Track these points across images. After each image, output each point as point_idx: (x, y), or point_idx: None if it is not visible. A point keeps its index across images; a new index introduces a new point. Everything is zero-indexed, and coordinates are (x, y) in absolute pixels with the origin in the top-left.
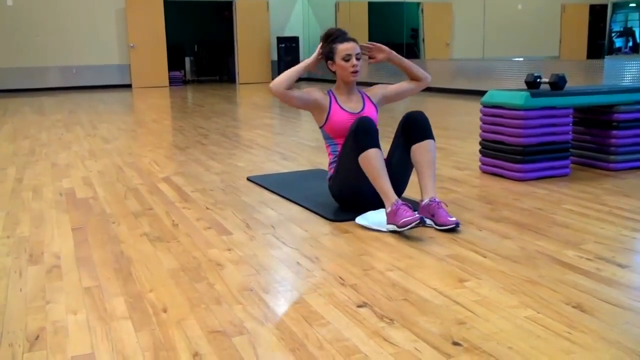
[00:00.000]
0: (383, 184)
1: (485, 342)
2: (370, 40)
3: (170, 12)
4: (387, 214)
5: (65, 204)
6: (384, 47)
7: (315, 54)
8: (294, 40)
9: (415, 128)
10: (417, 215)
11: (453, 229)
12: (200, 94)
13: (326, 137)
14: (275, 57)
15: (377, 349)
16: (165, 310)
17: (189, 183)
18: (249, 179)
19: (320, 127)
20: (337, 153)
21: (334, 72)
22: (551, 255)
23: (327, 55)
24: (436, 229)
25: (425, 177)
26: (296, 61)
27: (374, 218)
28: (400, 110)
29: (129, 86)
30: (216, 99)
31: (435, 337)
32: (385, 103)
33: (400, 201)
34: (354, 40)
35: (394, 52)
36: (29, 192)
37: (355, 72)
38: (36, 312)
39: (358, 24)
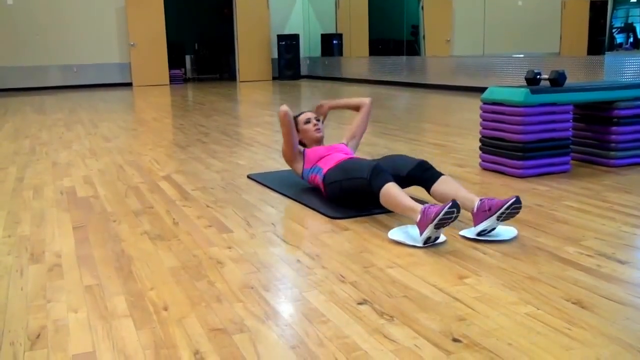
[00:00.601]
0: (406, 203)
1: (485, 338)
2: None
3: (170, 10)
4: (418, 223)
5: (66, 203)
6: (322, 102)
7: (286, 116)
8: (294, 37)
9: (426, 175)
10: (449, 201)
11: (515, 206)
12: (201, 92)
13: (310, 172)
14: (275, 54)
15: (378, 346)
16: (166, 309)
17: (190, 181)
18: (249, 177)
19: (302, 173)
20: (322, 170)
21: (304, 144)
22: (551, 252)
23: (295, 128)
24: (498, 238)
25: (461, 193)
26: (296, 59)
27: (409, 233)
28: (401, 107)
29: (129, 84)
30: (217, 97)
31: (435, 334)
32: (357, 139)
33: (426, 204)
34: (309, 111)
35: (331, 101)
36: (30, 191)
37: (318, 129)
38: (37, 311)
39: (358, 21)
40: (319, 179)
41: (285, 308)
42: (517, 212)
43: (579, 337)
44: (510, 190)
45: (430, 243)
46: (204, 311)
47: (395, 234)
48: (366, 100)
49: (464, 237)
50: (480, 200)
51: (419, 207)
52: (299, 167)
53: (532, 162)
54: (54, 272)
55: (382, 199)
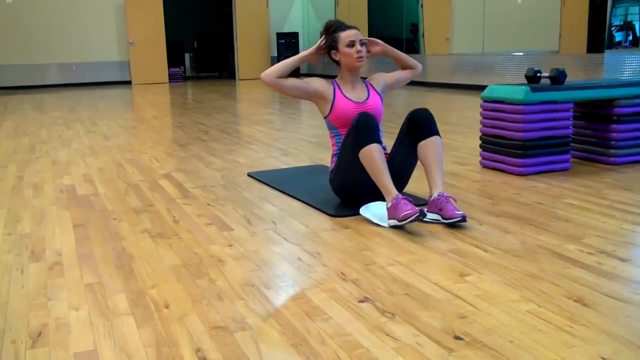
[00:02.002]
0: (384, 179)
1: (487, 336)
2: (369, 35)
3: (169, 8)
4: (388, 209)
5: (66, 201)
6: (379, 40)
7: (314, 47)
8: (294, 36)
9: (421, 125)
10: (418, 208)
11: (460, 223)
12: (200, 90)
13: (331, 128)
14: (275, 53)
15: (379, 344)
16: (167, 306)
17: (190, 179)
18: (249, 175)
19: (325, 117)
20: (340, 142)
21: (338, 63)
22: (552, 250)
23: (330, 45)
24: (444, 224)
25: (433, 173)
26: None
27: (377, 210)
28: (401, 105)
29: (128, 83)
30: (216, 95)
31: (436, 332)
32: (388, 91)
33: (400, 196)
34: (355, 27)
35: (387, 45)
36: (30, 189)
37: (360, 57)
38: (38, 309)
39: (357, 19)
40: (334, 148)
41: (287, 306)
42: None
43: (580, 334)
44: (511, 188)
45: (396, 227)
46: (205, 309)
47: (364, 210)
48: (419, 65)
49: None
50: (439, 194)
51: (394, 193)
52: (324, 109)
53: (532, 160)
54: (54, 270)
55: (362, 157)
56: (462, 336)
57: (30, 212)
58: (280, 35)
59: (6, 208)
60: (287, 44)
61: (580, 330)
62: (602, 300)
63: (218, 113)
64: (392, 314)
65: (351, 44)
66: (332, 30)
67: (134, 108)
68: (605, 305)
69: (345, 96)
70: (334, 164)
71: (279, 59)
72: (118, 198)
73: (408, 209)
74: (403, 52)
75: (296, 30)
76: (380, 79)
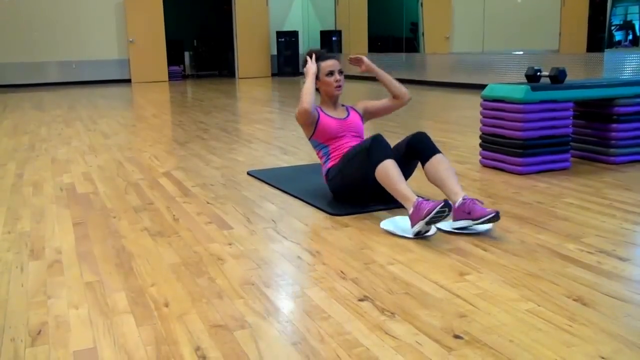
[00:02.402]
0: (402, 188)
1: (487, 335)
2: (369, 34)
3: (169, 6)
4: (411, 216)
5: (66, 199)
6: (364, 58)
7: (312, 74)
8: (294, 34)
9: (421, 148)
10: (441, 200)
11: (494, 219)
12: (200, 89)
13: (316, 145)
14: (274, 51)
15: (379, 343)
16: (166, 305)
17: (190, 178)
18: (249, 174)
19: (310, 138)
20: (329, 153)
21: (318, 90)
22: (552, 249)
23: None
24: (474, 231)
25: (450, 183)
26: (296, 56)
27: (399, 223)
28: None
29: (128, 81)
30: (216, 93)
31: (436, 331)
32: (369, 117)
33: (420, 198)
34: (334, 57)
35: (372, 65)
36: (30, 188)
37: (339, 86)
38: (38, 307)
39: (357, 18)
40: (323, 159)
41: (286, 304)
42: (495, 222)
43: (580, 333)
44: (510, 187)
45: (420, 236)
46: (205, 307)
47: (386, 224)
48: (407, 95)
49: (439, 229)
50: (463, 199)
51: (413, 198)
52: (308, 131)
53: (532, 159)
54: (54, 268)
55: (378, 174)
56: (461, 335)
57: (29, 210)
58: (280, 34)
59: (6, 206)
60: (287, 42)
61: (579, 330)
62: (602, 299)
63: (218, 111)
64: (392, 313)
65: (330, 73)
66: (314, 58)
67: (134, 106)
68: (604, 304)
69: (327, 114)
70: (328, 165)
71: (278, 57)
72: (118, 196)
73: (430, 204)
74: (403, 51)
75: (296, 29)
76: (362, 104)
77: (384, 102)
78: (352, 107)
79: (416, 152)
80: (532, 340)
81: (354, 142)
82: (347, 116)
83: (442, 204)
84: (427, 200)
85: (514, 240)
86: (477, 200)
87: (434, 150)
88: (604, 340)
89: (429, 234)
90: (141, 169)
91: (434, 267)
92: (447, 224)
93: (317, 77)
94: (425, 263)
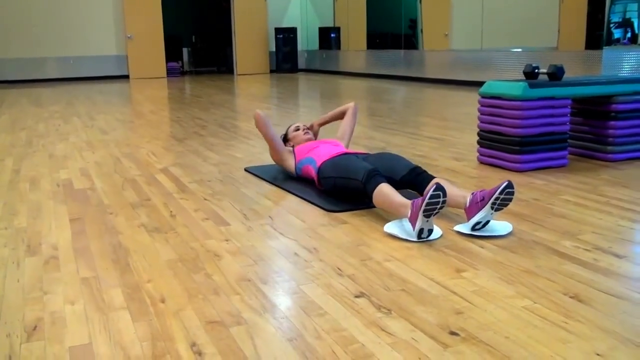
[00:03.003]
0: (397, 200)
1: (483, 331)
2: (368, 31)
3: (167, 2)
4: (410, 217)
5: (63, 195)
6: (312, 124)
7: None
8: (292, 31)
9: (418, 179)
10: (432, 184)
11: (509, 189)
12: (198, 85)
13: (300, 166)
14: (273, 48)
15: (375, 339)
16: (163, 301)
17: (187, 174)
18: (246, 170)
19: (296, 170)
20: (314, 160)
21: (293, 148)
22: (548, 246)
23: (284, 140)
24: (493, 234)
25: (454, 191)
26: (294, 52)
27: (404, 227)
28: (399, 101)
29: (126, 77)
30: (214, 89)
31: (432, 327)
32: (346, 139)
33: (415, 198)
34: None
35: (317, 121)
36: (27, 183)
37: (307, 132)
38: (34, 303)
39: (356, 14)
40: (312, 171)
41: (283, 301)
42: (511, 199)
43: (576, 330)
44: None
45: (424, 237)
46: (201, 304)
47: (390, 227)
48: (350, 104)
49: (458, 232)
50: (472, 193)
51: (409, 202)
52: (291, 163)
53: (529, 156)
54: (50, 264)
55: (375, 200)
56: (457, 332)
57: (26, 206)
58: (278, 30)
59: (2, 202)
60: (286, 39)
61: (575, 327)
62: (598, 296)
63: (216, 108)
64: (388, 310)
65: (296, 129)
66: (283, 137)
67: (132, 102)
68: (600, 301)
69: (301, 144)
70: (318, 164)
71: (277, 54)
72: (115, 192)
73: (424, 196)
74: (402, 48)
75: (294, 25)
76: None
77: (342, 123)
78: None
79: (414, 184)
80: (528, 337)
81: (331, 147)
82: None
83: (434, 187)
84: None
85: (511, 237)
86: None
87: (431, 176)
88: (599, 337)
89: (433, 235)
90: (138, 165)
91: (431, 263)
92: (465, 226)
93: (289, 141)
94: (422, 260)
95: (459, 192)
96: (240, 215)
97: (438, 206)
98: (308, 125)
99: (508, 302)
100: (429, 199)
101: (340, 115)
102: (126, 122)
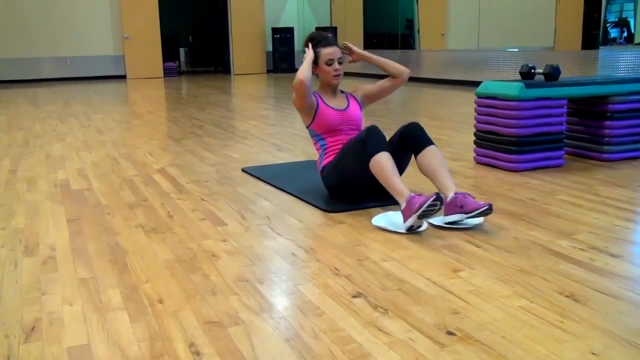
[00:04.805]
0: (396, 182)
1: (479, 331)
2: (365, 31)
3: (164, 2)
4: (403, 211)
5: (60, 196)
6: (353, 48)
7: (308, 61)
8: (289, 31)
9: (414, 139)
10: (432, 193)
11: (486, 214)
12: (195, 85)
13: (313, 135)
14: (270, 48)
15: (372, 339)
16: (160, 301)
17: (184, 174)
18: (243, 170)
19: (308, 127)
20: (325, 147)
21: (317, 75)
22: (544, 246)
23: (314, 67)
24: (466, 226)
25: (442, 177)
26: (291, 52)
27: (392, 219)
28: (395, 101)
29: (123, 77)
30: (211, 90)
31: (429, 327)
32: (369, 102)
33: (413, 193)
34: (336, 44)
35: (363, 53)
36: (24, 184)
37: (337, 75)
38: (32, 304)
39: (353, 14)
40: (319, 151)
41: (280, 301)
42: (488, 215)
43: (571, 330)
44: (504, 184)
45: (412, 231)
46: (199, 304)
47: (378, 220)
48: (405, 72)
49: (431, 224)
50: (455, 193)
51: (406, 193)
52: (307, 118)
53: (526, 156)
54: (48, 264)
55: (373, 166)
56: (454, 331)
57: (24, 206)
58: (275, 30)
59: None
60: (282, 38)
61: (571, 326)
62: (594, 296)
63: (213, 108)
64: (385, 309)
65: (329, 62)
66: (314, 44)
67: (129, 103)
68: (596, 301)
69: (327, 104)
70: (325, 161)
71: (274, 54)
72: (112, 193)
73: (422, 198)
74: (398, 48)
75: (291, 25)
76: (361, 91)
77: (382, 83)
78: (351, 95)
79: (409, 142)
80: (524, 337)
81: (345, 135)
82: (347, 107)
83: (434, 197)
84: (420, 195)
85: (507, 237)
86: (468, 194)
87: (427, 142)
88: (595, 337)
89: (421, 229)
90: (136, 166)
91: (427, 263)
92: (439, 219)
93: (316, 63)
94: (419, 260)
95: (445, 182)
96: (237, 216)
97: (433, 212)
98: (348, 50)
99: (504, 301)
100: (427, 207)
101: (388, 72)
102: (123, 122)
